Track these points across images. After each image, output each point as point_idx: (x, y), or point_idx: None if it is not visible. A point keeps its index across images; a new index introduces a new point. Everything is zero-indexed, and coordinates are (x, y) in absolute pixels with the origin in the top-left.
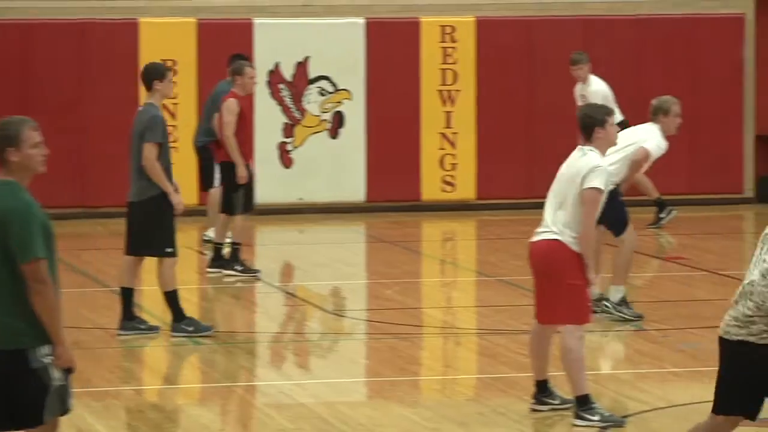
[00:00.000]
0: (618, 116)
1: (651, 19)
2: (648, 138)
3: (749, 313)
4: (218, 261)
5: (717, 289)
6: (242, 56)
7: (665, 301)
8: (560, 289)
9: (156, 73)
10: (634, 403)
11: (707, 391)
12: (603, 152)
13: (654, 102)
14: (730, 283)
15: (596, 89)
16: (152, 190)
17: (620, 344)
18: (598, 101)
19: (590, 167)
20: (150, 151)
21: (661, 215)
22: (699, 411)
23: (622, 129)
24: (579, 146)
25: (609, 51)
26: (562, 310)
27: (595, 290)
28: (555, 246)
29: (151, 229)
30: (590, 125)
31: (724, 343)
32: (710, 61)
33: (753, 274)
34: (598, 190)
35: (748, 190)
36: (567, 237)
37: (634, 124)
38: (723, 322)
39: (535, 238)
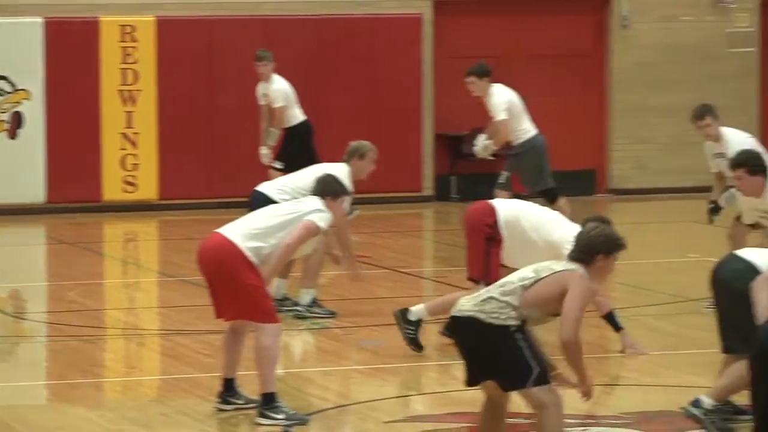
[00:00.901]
0: (300, 116)
1: (330, 19)
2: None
3: (490, 295)
4: None
5: (397, 286)
6: None
7: (347, 299)
8: (234, 288)
9: None
10: (317, 400)
11: (388, 388)
12: (331, 223)
13: (352, 144)
14: (410, 280)
15: (278, 88)
16: None
17: (304, 342)
18: (280, 100)
19: (321, 209)
20: None
21: None
22: (381, 408)
23: (304, 130)
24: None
25: (290, 50)
26: (244, 308)
27: (281, 290)
28: (225, 245)
29: None
30: (326, 192)
31: (455, 320)
32: (390, 61)
33: (513, 277)
34: (317, 227)
35: (427, 188)
36: (242, 241)
37: (314, 122)
38: (458, 304)
39: (208, 237)
